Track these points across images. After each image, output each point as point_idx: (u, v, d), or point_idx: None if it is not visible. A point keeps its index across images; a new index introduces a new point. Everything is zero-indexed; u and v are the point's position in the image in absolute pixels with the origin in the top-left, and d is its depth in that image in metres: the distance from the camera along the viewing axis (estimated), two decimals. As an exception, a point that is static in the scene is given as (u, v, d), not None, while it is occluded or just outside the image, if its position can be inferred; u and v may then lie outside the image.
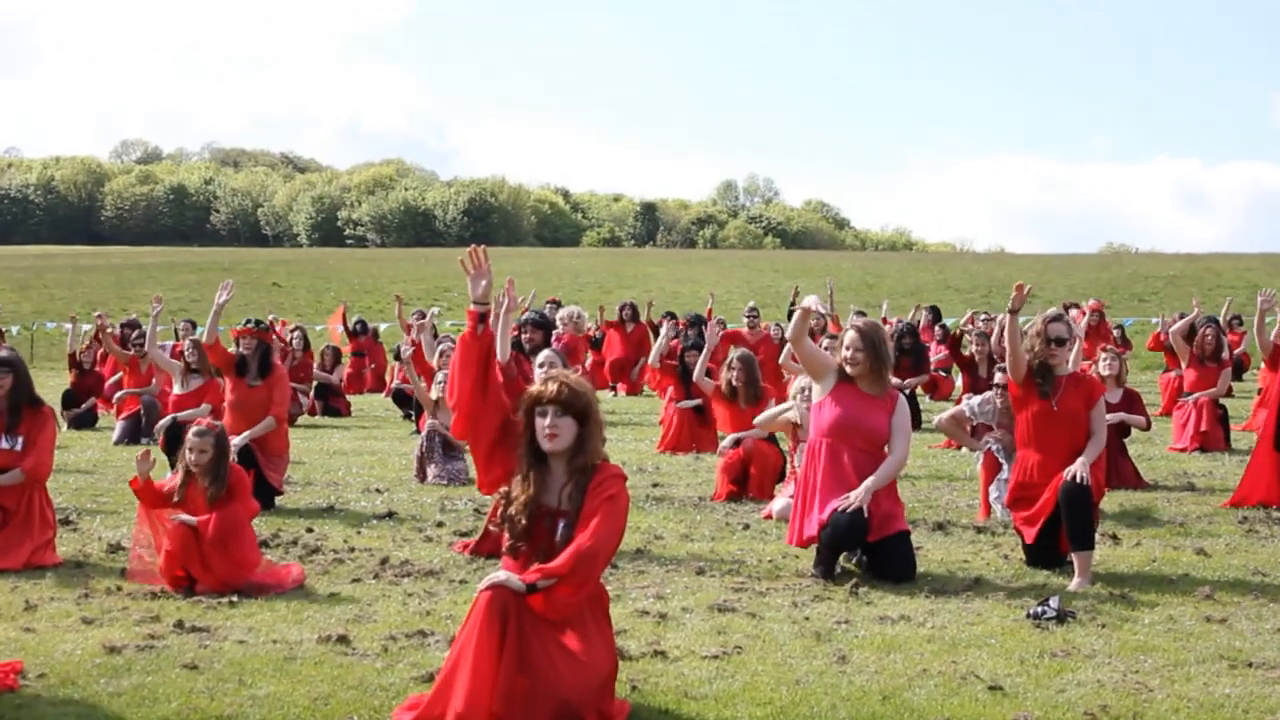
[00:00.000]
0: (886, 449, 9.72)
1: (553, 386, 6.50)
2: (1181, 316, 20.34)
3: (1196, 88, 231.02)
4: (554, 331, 19.75)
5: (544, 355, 11.53)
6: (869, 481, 9.47)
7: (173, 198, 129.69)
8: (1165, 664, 7.28)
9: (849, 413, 9.67)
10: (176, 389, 15.46)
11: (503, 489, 6.67)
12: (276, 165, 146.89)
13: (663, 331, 19.41)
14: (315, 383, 24.38)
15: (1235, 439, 17.55)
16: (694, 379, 15.24)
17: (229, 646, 7.60)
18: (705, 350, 14.98)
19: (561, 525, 6.42)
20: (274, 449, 13.05)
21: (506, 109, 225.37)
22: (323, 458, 17.10)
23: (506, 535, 6.51)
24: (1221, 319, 24.67)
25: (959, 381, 20.63)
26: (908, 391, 19.63)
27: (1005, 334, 9.88)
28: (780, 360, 15.47)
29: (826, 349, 12.26)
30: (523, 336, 12.99)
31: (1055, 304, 34.06)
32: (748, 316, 23.79)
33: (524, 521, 6.46)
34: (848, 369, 9.75)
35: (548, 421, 6.45)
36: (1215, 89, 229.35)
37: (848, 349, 9.75)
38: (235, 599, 8.83)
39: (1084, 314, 26.56)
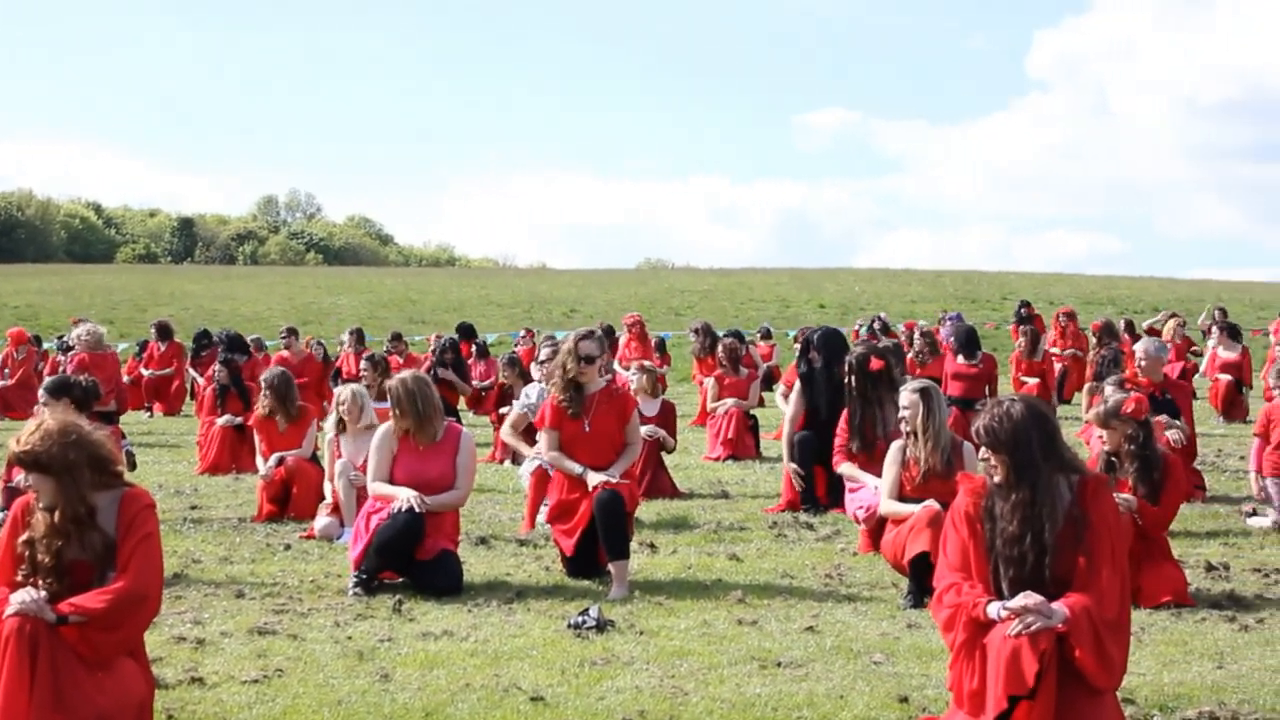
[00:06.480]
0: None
1: (23, 446, 5.99)
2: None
3: (727, 108, 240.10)
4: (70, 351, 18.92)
5: (44, 391, 10.86)
6: (430, 500, 9.67)
7: None
8: (700, 667, 7.52)
9: (413, 470, 9.84)
10: None
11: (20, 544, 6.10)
12: None
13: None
14: None
15: (765, 447, 18.23)
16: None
17: None
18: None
19: (106, 574, 6.02)
20: None
21: (29, 119, 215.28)
22: None
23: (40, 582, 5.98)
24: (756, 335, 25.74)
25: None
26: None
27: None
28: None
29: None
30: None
31: (595, 319, 34.95)
32: (284, 337, 23.57)
33: (50, 562, 6.00)
34: (399, 424, 9.86)
35: (29, 481, 6.06)
36: (743, 110, 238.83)
37: (396, 406, 9.86)
38: None
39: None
